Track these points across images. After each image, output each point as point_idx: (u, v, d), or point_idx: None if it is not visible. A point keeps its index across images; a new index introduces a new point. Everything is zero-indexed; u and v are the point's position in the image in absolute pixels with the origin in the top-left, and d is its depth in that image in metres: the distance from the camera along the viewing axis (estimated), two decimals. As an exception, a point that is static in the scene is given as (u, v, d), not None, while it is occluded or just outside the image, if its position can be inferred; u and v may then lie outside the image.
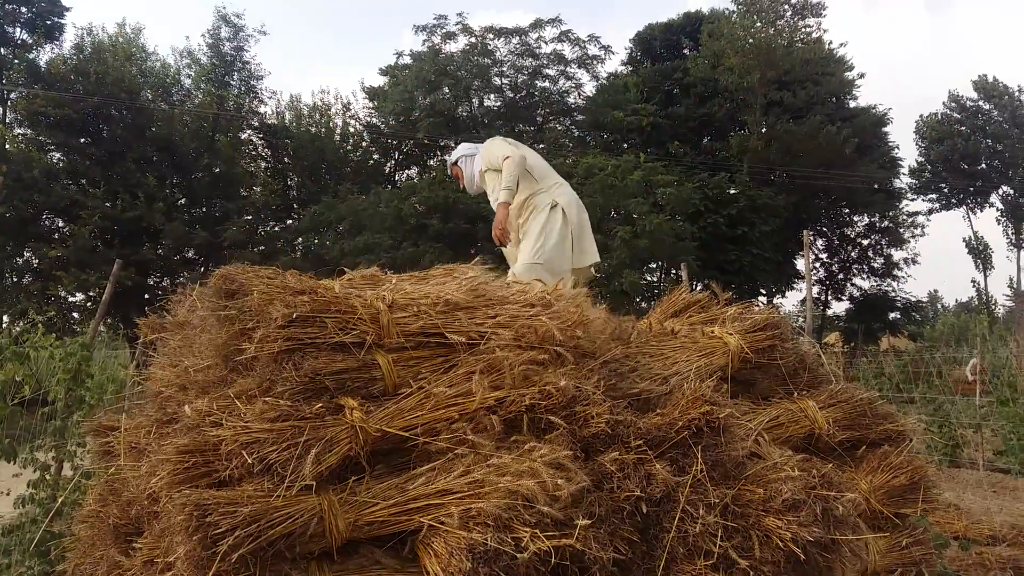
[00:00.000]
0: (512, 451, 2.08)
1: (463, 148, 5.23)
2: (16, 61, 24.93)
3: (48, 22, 25.23)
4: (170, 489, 2.02)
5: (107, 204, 23.86)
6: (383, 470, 2.15)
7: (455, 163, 5.19)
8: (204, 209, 27.48)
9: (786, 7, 27.45)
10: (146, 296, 23.41)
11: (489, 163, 4.76)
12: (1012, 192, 35.01)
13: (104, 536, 2.63)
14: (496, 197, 4.56)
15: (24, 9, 24.95)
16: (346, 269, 2.77)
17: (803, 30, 27.65)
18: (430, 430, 2.16)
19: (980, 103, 35.47)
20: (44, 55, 25.79)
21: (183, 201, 27.33)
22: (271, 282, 2.45)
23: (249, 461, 1.98)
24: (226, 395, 2.26)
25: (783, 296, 30.59)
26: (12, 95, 25.05)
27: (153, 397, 2.88)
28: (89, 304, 22.98)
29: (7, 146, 24.32)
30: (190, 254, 26.66)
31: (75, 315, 23.99)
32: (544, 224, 4.47)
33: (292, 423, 2.06)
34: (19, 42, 25.30)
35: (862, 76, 29.77)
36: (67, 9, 25.64)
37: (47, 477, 4.73)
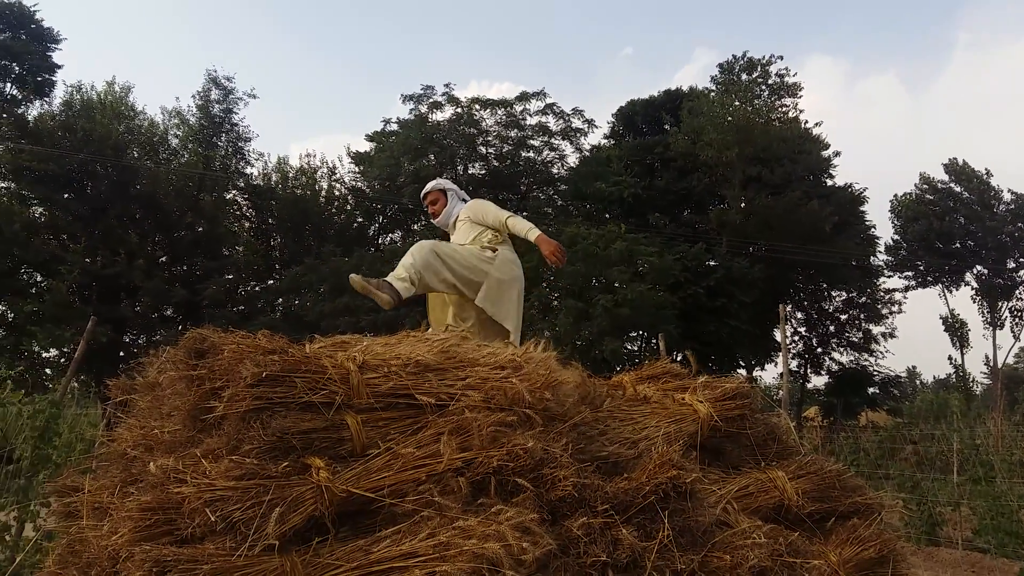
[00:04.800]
0: (479, 514, 2.07)
1: (452, 183, 5.24)
2: (4, 116, 25.08)
3: (39, 78, 25.53)
4: (130, 546, 1.98)
5: (87, 260, 23.75)
6: (348, 532, 2.12)
7: (443, 190, 5.16)
8: (185, 267, 27.43)
9: (763, 87, 28.31)
10: (121, 354, 23.12)
11: (480, 218, 4.80)
12: (986, 272, 35.63)
13: (62, 599, 2.55)
14: (529, 234, 4.57)
15: (15, 65, 25.25)
16: (317, 335, 2.77)
17: (780, 109, 28.47)
18: (397, 491, 2.15)
19: (951, 185, 36.36)
20: (33, 110, 26.06)
21: (164, 259, 27.29)
22: (243, 342, 2.45)
23: (212, 519, 1.95)
24: (192, 454, 2.24)
25: (762, 369, 30.67)
26: (-1, 148, 25.17)
27: (119, 458, 2.84)
28: (63, 360, 22.64)
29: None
30: (168, 312, 26.43)
31: (48, 371, 23.61)
32: (521, 295, 4.63)
33: (257, 481, 2.03)
34: (8, 97, 25.51)
35: (838, 155, 30.52)
36: (59, 67, 26.11)
37: (7, 538, 4.61)
